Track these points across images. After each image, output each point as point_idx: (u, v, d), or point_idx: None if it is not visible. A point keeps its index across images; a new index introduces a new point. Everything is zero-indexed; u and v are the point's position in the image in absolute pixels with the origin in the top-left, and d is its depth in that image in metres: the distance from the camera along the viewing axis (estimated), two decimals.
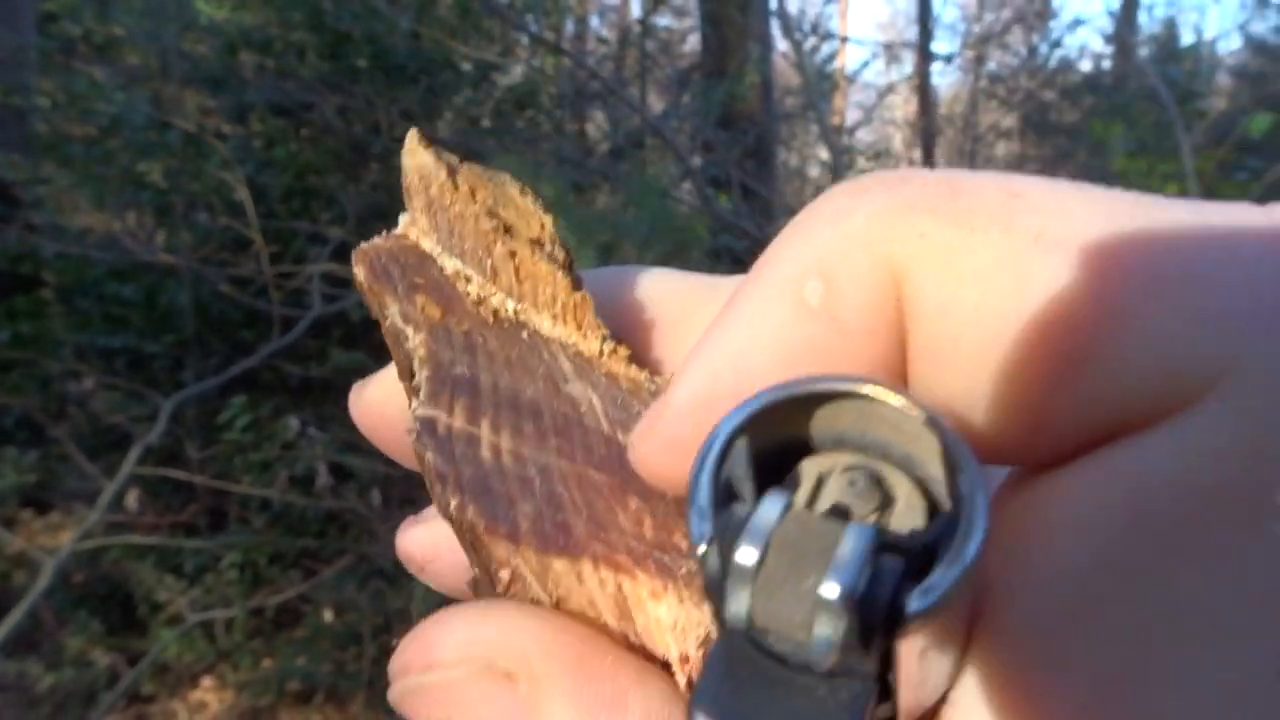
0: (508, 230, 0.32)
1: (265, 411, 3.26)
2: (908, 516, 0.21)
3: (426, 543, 0.33)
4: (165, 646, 2.93)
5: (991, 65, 11.76)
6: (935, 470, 0.20)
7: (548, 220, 0.33)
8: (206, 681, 3.19)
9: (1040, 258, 0.20)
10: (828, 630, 0.18)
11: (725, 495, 0.20)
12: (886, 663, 0.19)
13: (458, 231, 0.33)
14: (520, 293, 0.32)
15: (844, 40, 10.53)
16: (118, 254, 3.39)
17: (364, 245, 0.34)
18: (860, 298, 0.22)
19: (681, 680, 0.24)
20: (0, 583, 3.04)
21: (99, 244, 3.55)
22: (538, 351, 0.31)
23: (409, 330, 0.31)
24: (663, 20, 6.87)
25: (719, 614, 0.19)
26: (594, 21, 7.75)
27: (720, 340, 0.23)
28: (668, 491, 0.26)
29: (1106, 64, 10.19)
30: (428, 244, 0.34)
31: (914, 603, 0.18)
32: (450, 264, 0.33)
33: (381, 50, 3.73)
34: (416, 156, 0.34)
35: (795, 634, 0.18)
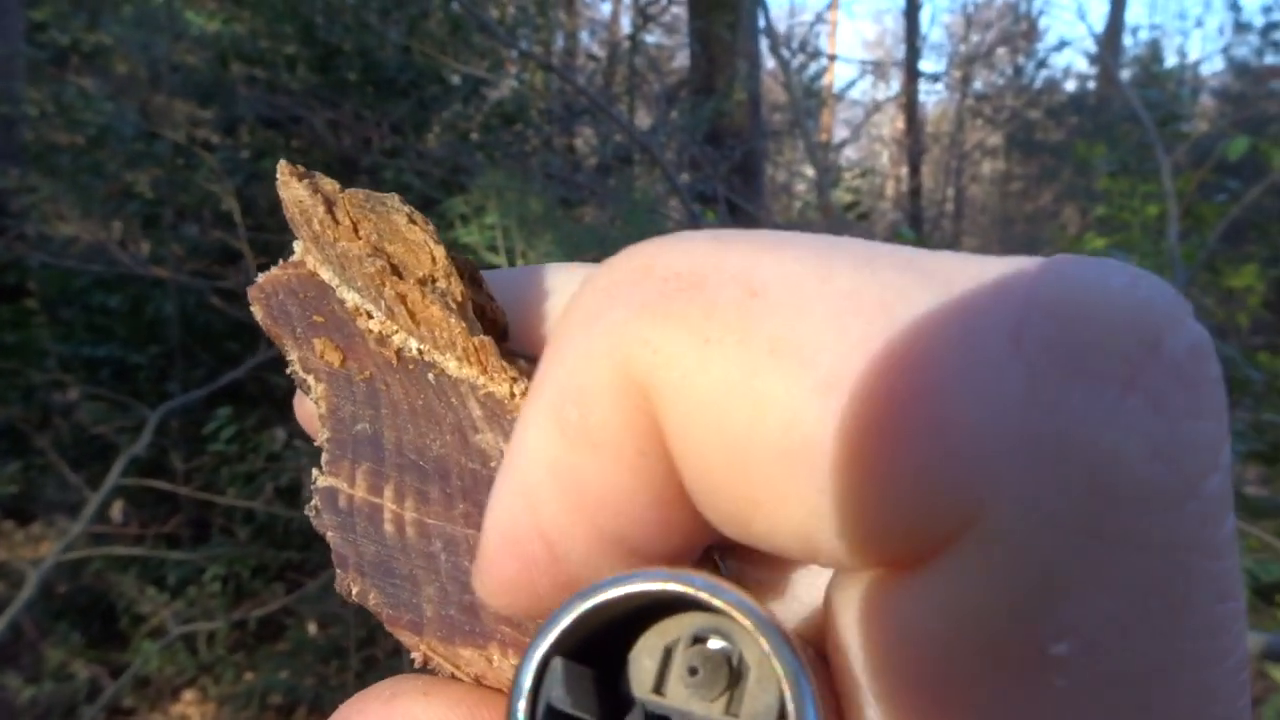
0: (395, 270, 0.29)
1: (251, 423, 3.26)
2: (759, 693, 0.19)
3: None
4: (147, 659, 2.91)
5: (978, 84, 11.87)
6: (759, 640, 0.19)
7: (439, 252, 0.29)
8: (188, 695, 3.17)
9: (775, 376, 0.18)
10: None
11: None
12: None
13: (348, 269, 0.30)
14: (420, 334, 0.29)
15: (832, 59, 10.60)
16: (104, 264, 3.38)
17: (260, 279, 0.32)
18: (612, 420, 0.20)
19: None
20: None
21: (85, 254, 3.54)
22: (445, 396, 0.28)
23: (310, 380, 0.29)
24: (652, 37, 6.92)
25: None
26: (584, 37, 7.79)
27: (510, 476, 0.21)
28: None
29: (1091, 84, 10.30)
30: (325, 274, 0.31)
31: None
32: (350, 296, 0.30)
33: (372, 64, 3.74)
34: (290, 189, 0.31)
35: None
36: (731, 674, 0.19)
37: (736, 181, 4.46)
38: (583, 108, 4.39)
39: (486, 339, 0.28)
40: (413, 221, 0.30)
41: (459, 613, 0.25)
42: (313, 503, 0.27)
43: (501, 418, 0.28)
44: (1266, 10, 5.25)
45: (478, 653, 0.24)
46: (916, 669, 0.18)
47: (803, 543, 0.19)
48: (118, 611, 3.19)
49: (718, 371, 0.19)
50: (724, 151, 4.50)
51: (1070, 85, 10.89)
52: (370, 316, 0.30)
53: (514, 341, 0.30)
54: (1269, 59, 5.68)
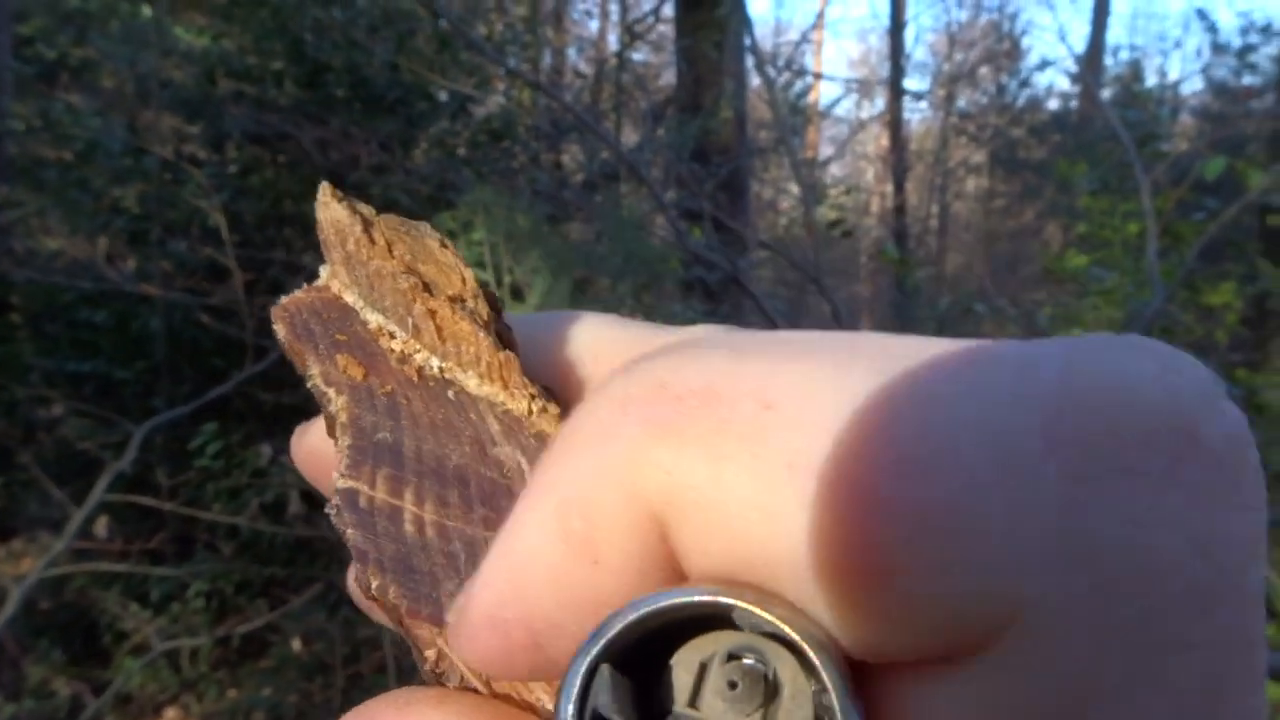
0: (426, 287, 0.30)
1: (236, 438, 3.25)
2: (793, 709, 0.20)
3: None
4: (129, 676, 2.89)
5: (961, 103, 11.98)
6: (805, 650, 0.19)
7: (469, 274, 0.31)
8: (170, 713, 3.15)
9: (793, 492, 0.18)
10: None
11: None
12: None
13: (377, 288, 0.31)
14: (444, 351, 0.30)
15: (817, 77, 10.68)
16: (91, 280, 3.38)
17: (284, 300, 0.33)
18: (617, 540, 0.20)
19: None
20: None
21: (71, 269, 3.54)
22: (464, 412, 0.29)
23: (330, 393, 0.30)
24: (639, 55, 6.96)
25: None
26: (571, 54, 7.83)
27: (504, 562, 0.21)
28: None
29: (1073, 103, 10.41)
30: (350, 297, 0.32)
31: None
32: (373, 318, 0.32)
33: (360, 80, 3.76)
34: (329, 210, 0.32)
35: None
36: (767, 690, 0.20)
37: (722, 198, 4.49)
38: (570, 125, 4.41)
39: (511, 354, 0.29)
40: (444, 246, 0.32)
41: None
42: (332, 502, 0.28)
43: (519, 433, 0.29)
44: (1244, 31, 5.33)
45: None
46: None
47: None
48: (100, 628, 3.17)
49: (734, 491, 0.19)
50: (710, 169, 4.53)
51: (1053, 104, 11.01)
52: (393, 337, 0.31)
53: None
54: (1247, 79, 5.77)
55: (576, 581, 0.21)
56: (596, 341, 0.31)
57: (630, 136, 5.61)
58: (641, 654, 0.21)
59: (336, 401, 0.30)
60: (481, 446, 0.29)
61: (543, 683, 0.24)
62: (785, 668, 0.20)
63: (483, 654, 0.22)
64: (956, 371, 0.19)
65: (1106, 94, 8.13)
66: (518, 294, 2.74)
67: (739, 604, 0.19)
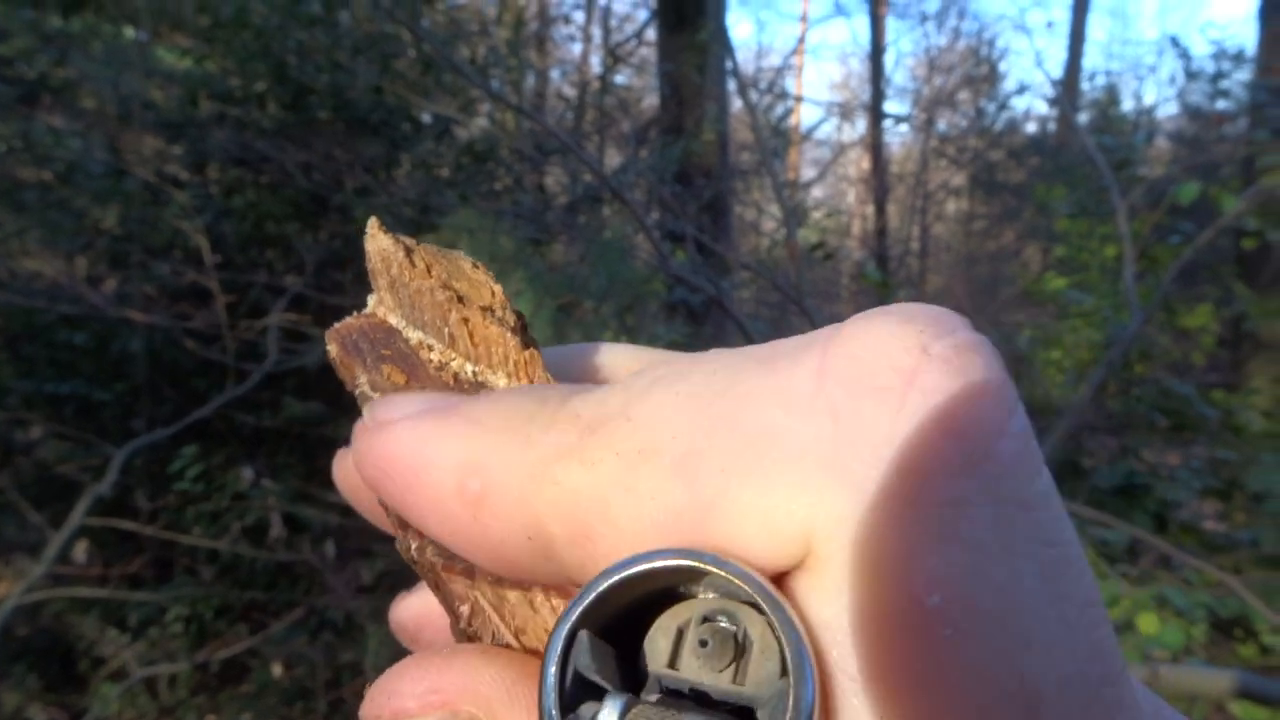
0: (461, 299, 0.35)
1: (217, 461, 3.22)
2: (762, 662, 0.22)
3: (419, 612, 0.36)
4: (106, 703, 2.85)
5: (941, 126, 12.10)
6: (764, 606, 0.22)
7: (497, 289, 0.36)
8: None
9: (650, 468, 0.23)
10: None
11: (575, 691, 0.22)
12: None
13: (418, 305, 0.35)
14: (476, 355, 0.34)
15: (799, 100, 10.77)
16: (69, 301, 3.35)
17: (336, 325, 0.37)
18: (502, 521, 0.25)
19: None
20: None
21: (50, 290, 3.51)
22: None
23: (375, 396, 0.34)
24: (621, 78, 7.00)
25: None
26: (555, 76, 7.87)
27: (411, 443, 0.27)
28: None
29: (1051, 126, 10.53)
30: (393, 319, 0.36)
31: None
32: (414, 335, 0.35)
33: (343, 103, 3.76)
34: (377, 241, 0.37)
35: None
36: (737, 648, 0.22)
37: (705, 220, 4.51)
38: (553, 147, 4.43)
39: (534, 352, 0.34)
40: (475, 266, 0.37)
41: None
42: None
43: None
44: (1216, 58, 5.42)
45: (523, 595, 0.27)
46: (840, 649, 0.21)
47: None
48: (77, 653, 3.12)
49: (603, 479, 0.23)
50: (693, 191, 4.55)
51: (1031, 127, 11.14)
52: (431, 349, 0.35)
53: None
54: (1220, 104, 5.85)
55: (451, 514, 0.25)
56: (618, 365, 0.36)
57: (613, 159, 5.64)
58: (622, 627, 0.23)
59: None
60: None
61: None
62: (755, 626, 0.22)
63: (368, 468, 0.27)
64: (748, 355, 0.25)
65: (1083, 118, 8.23)
66: None
67: (699, 565, 0.21)
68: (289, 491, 3.14)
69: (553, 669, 0.22)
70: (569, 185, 4.79)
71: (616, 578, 0.22)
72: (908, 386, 0.21)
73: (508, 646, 0.27)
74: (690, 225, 3.78)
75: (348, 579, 3.05)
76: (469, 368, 0.34)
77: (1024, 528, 0.21)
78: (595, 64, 7.80)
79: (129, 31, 4.03)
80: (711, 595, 0.23)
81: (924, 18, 12.97)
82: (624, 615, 0.23)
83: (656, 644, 0.23)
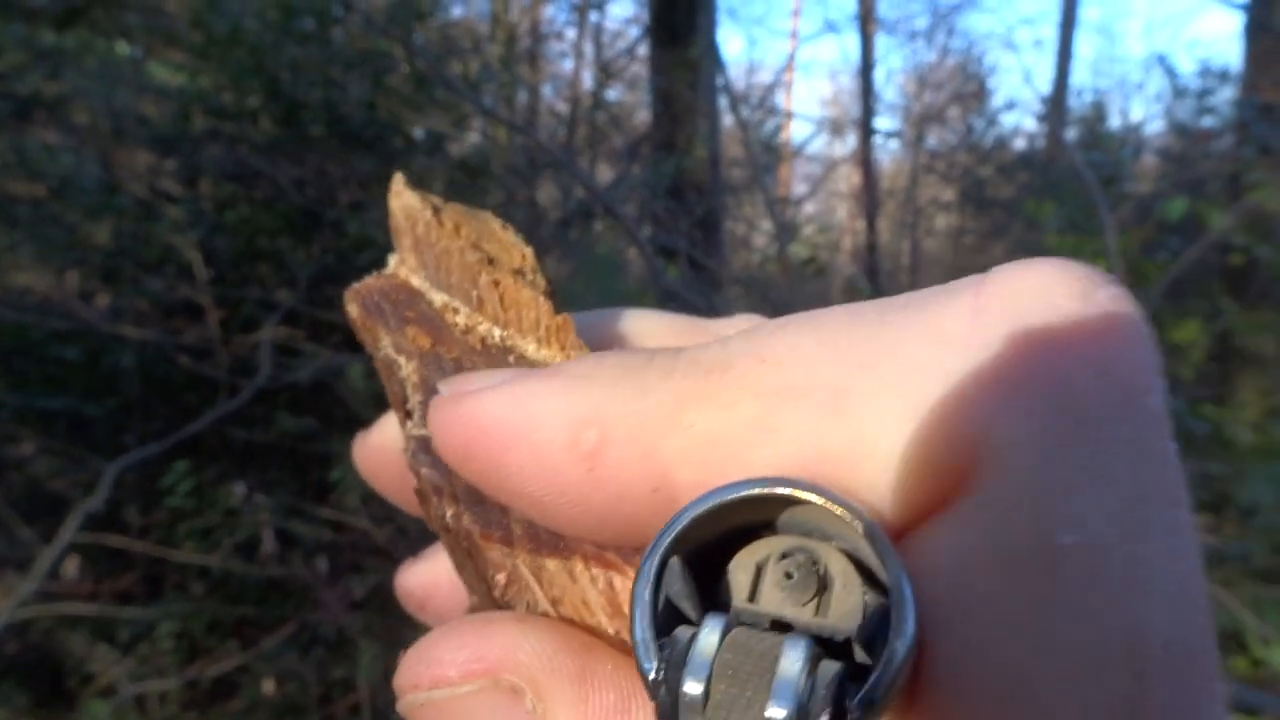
0: (491, 262, 0.33)
1: (209, 476, 3.21)
2: (845, 597, 0.22)
3: (427, 580, 0.35)
4: None
5: (931, 142, 12.17)
6: (864, 545, 0.21)
7: (528, 251, 0.34)
8: None
9: (790, 409, 0.22)
10: None
11: (668, 617, 0.22)
12: None
13: (444, 266, 0.34)
14: (505, 319, 0.33)
15: (789, 116, 10.83)
16: (61, 316, 3.35)
17: (355, 285, 0.36)
18: (623, 472, 0.24)
19: None
20: None
21: (42, 305, 3.50)
22: None
23: (401, 360, 0.33)
24: (614, 93, 7.04)
25: None
26: (547, 91, 7.90)
27: (518, 399, 0.25)
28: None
29: (1040, 142, 10.61)
30: (416, 280, 0.35)
31: (855, 710, 0.19)
32: (438, 297, 0.34)
33: (336, 118, 3.77)
34: (402, 198, 0.36)
35: None
36: (819, 582, 0.22)
37: (697, 236, 4.53)
38: (546, 163, 4.45)
39: (568, 317, 0.32)
40: (505, 228, 0.35)
41: (545, 532, 0.27)
42: (408, 446, 0.30)
43: None
44: (1202, 75, 5.48)
45: (562, 564, 0.26)
46: (959, 580, 0.21)
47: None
48: (66, 670, 3.10)
49: (739, 421, 0.23)
50: (685, 206, 4.57)
51: (1020, 143, 11.21)
52: (457, 312, 0.34)
53: None
54: (1206, 121, 5.91)
55: (562, 473, 0.24)
56: (649, 329, 0.35)
57: (605, 174, 5.66)
58: (701, 562, 0.23)
59: (406, 367, 0.33)
60: None
61: (604, 607, 0.26)
62: (835, 563, 0.22)
63: (458, 436, 0.26)
64: (869, 306, 0.24)
65: (1071, 134, 8.30)
66: None
67: (796, 493, 0.21)
68: (281, 507, 3.13)
69: (646, 592, 0.21)
70: (561, 200, 4.80)
71: (714, 502, 0.22)
72: (1069, 328, 0.21)
73: (544, 615, 0.27)
74: (682, 240, 3.79)
75: (340, 594, 3.03)
76: (497, 332, 0.33)
77: (1158, 483, 0.21)
78: (587, 80, 7.83)
79: (122, 47, 4.04)
80: (791, 534, 0.23)
81: (913, 35, 13.07)
82: (700, 554, 0.23)
83: (736, 579, 0.23)
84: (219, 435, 3.28)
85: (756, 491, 0.22)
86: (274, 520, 3.12)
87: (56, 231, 3.60)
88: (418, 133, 4.20)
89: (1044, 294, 0.22)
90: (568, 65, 8.70)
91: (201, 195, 3.94)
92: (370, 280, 0.36)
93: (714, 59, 4.93)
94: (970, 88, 12.59)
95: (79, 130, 4.10)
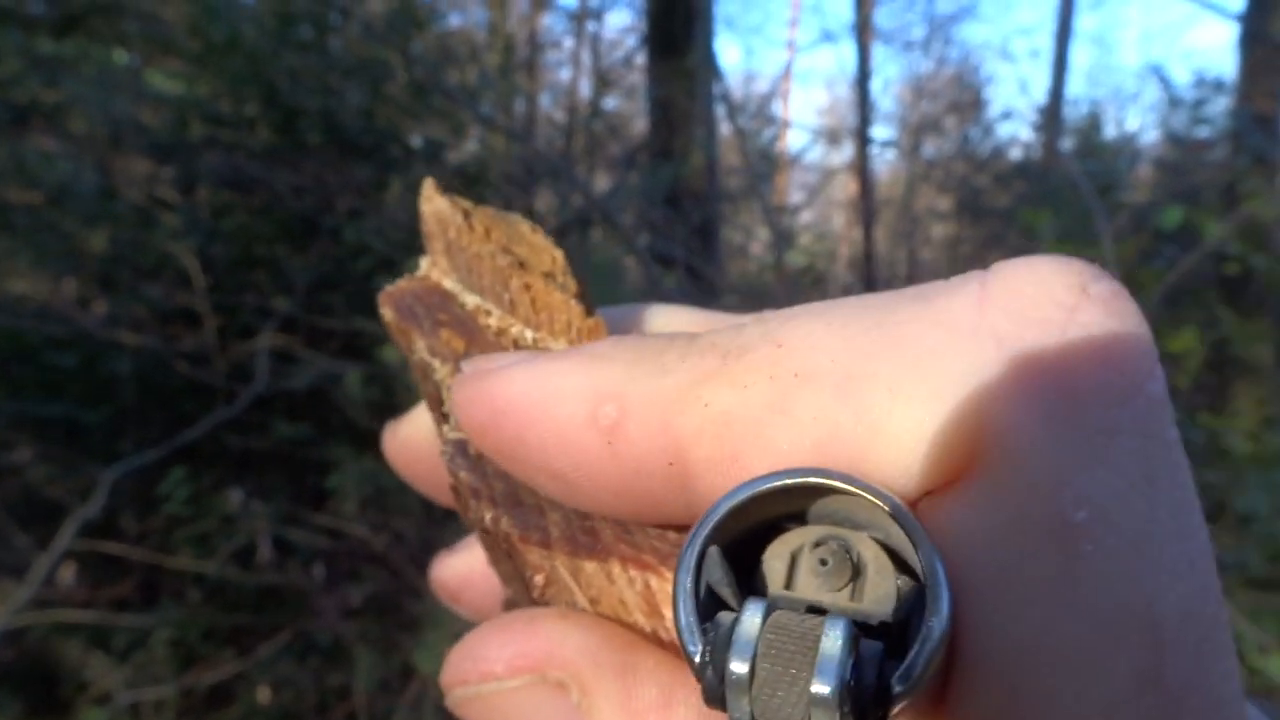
0: (522, 265, 0.34)
1: (206, 483, 3.21)
2: (879, 582, 0.22)
3: (461, 571, 0.36)
4: None
5: (928, 151, 12.20)
6: (895, 532, 0.22)
7: (558, 254, 0.35)
8: None
9: (807, 390, 0.23)
10: None
11: (709, 603, 0.22)
12: None
13: (475, 269, 0.35)
14: (537, 322, 0.33)
15: (786, 125, 10.85)
16: (58, 323, 3.34)
17: (388, 288, 0.37)
18: (642, 447, 0.25)
19: None
20: None
21: (39, 312, 3.50)
22: None
23: (435, 363, 0.33)
24: (611, 102, 7.05)
25: None
26: (545, 100, 7.91)
27: (535, 377, 0.26)
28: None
29: (1036, 152, 10.63)
30: (448, 283, 0.36)
31: (897, 685, 0.20)
32: (470, 300, 0.35)
33: (334, 126, 3.78)
34: (433, 203, 0.36)
35: None
36: (853, 569, 0.22)
37: (695, 244, 4.53)
38: (543, 171, 4.45)
39: (600, 320, 0.33)
40: (535, 230, 0.35)
41: (581, 534, 0.27)
42: (445, 450, 0.31)
43: None
44: (1197, 85, 5.50)
45: (599, 566, 0.27)
46: (980, 558, 0.21)
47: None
48: (61, 678, 3.09)
49: (755, 400, 0.24)
50: (682, 214, 4.58)
51: (1016, 152, 11.24)
52: (489, 314, 0.34)
53: None
54: (1201, 131, 5.94)
55: (582, 446, 0.25)
56: (675, 323, 0.35)
57: (603, 182, 5.67)
58: (735, 554, 0.23)
59: (441, 370, 0.33)
60: None
61: (641, 606, 0.26)
62: (867, 550, 0.23)
63: (481, 412, 0.27)
64: (881, 298, 0.25)
65: (1067, 144, 8.32)
66: None
67: (828, 482, 0.22)
68: (278, 514, 3.12)
69: (688, 579, 0.22)
70: (559, 209, 4.81)
71: (750, 492, 0.22)
72: (1069, 319, 0.22)
73: (584, 611, 0.27)
74: (680, 248, 3.80)
75: (336, 602, 3.03)
76: (529, 334, 0.33)
77: (1163, 465, 0.22)
78: (585, 89, 7.85)
79: (120, 55, 4.05)
80: (822, 524, 0.23)
81: (910, 45, 13.11)
82: (736, 545, 0.23)
83: (772, 568, 0.23)
84: (216, 442, 3.27)
85: (790, 481, 0.22)
86: (271, 527, 3.11)
87: (53, 238, 3.60)
88: (415, 141, 4.20)
89: (1046, 287, 0.23)
90: (565, 74, 8.73)
91: (199, 202, 3.94)
92: (403, 283, 0.37)
93: (711, 68, 4.95)
94: (966, 97, 12.64)
95: (76, 137, 4.10)
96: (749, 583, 0.23)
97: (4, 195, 3.82)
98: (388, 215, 3.73)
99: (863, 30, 10.03)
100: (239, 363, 3.22)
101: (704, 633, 0.21)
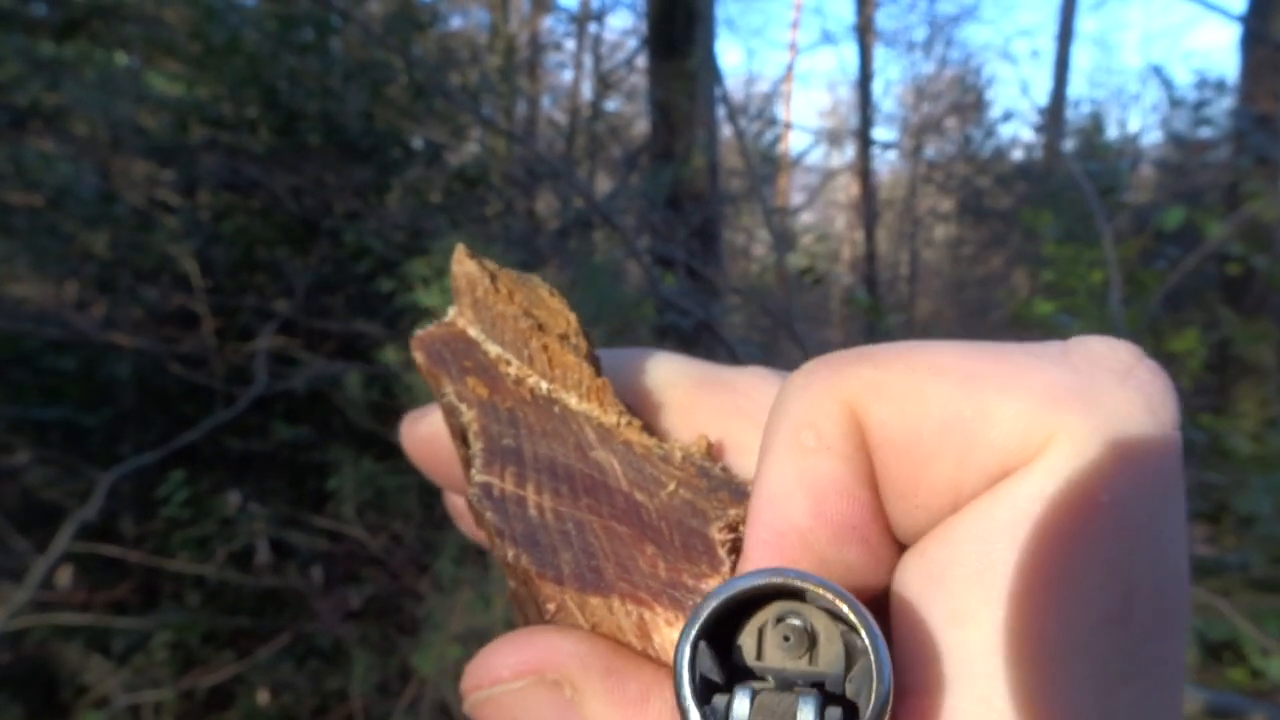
0: (541, 327, 0.38)
1: (204, 486, 3.20)
2: (829, 646, 0.28)
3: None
4: None
5: (929, 152, 12.20)
6: (842, 608, 0.26)
7: (572, 318, 0.39)
8: None
9: (941, 380, 0.29)
10: None
11: (703, 688, 0.27)
12: None
13: (499, 325, 0.40)
14: (552, 376, 0.38)
15: (788, 127, 10.85)
16: (57, 326, 3.34)
17: (419, 333, 0.42)
18: (839, 431, 0.30)
19: None
20: None
21: (38, 315, 3.50)
22: (568, 424, 0.38)
23: (463, 407, 0.38)
24: (612, 104, 7.05)
25: None
26: (546, 102, 7.92)
27: (763, 499, 0.30)
28: None
29: (1038, 153, 10.62)
30: (473, 331, 0.41)
31: None
32: (493, 349, 0.40)
33: (334, 128, 3.77)
34: (464, 265, 0.41)
35: None
36: (809, 639, 0.28)
37: (695, 245, 4.53)
38: (544, 173, 4.45)
39: (606, 380, 0.38)
40: (552, 294, 0.40)
41: (588, 572, 0.32)
42: (473, 491, 0.35)
43: (610, 441, 0.37)
44: (1199, 86, 5.49)
45: (603, 601, 0.31)
46: (1023, 512, 0.27)
47: (949, 485, 0.29)
48: (60, 681, 3.08)
49: (897, 382, 0.29)
50: (683, 216, 4.57)
51: (1017, 153, 11.23)
52: (509, 364, 0.39)
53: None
54: (1203, 131, 5.92)
55: (818, 472, 0.30)
56: (668, 377, 0.40)
57: (604, 184, 5.67)
58: (715, 632, 0.28)
59: (467, 414, 0.38)
60: (582, 450, 0.37)
61: (634, 631, 0.31)
62: (818, 619, 0.28)
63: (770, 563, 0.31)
64: (1003, 347, 0.30)
65: (1069, 145, 8.31)
66: None
67: (784, 581, 0.27)
68: (277, 516, 3.12)
69: (685, 671, 0.26)
70: (560, 210, 4.81)
71: (729, 593, 0.27)
72: (1128, 374, 0.29)
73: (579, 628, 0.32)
74: (680, 250, 3.80)
75: (335, 604, 3.03)
76: (544, 385, 0.38)
77: (1173, 492, 0.28)
78: (586, 91, 7.85)
79: (121, 58, 4.05)
80: (784, 600, 0.28)
81: (911, 46, 13.10)
82: (715, 625, 0.28)
83: (746, 643, 0.28)
84: (215, 444, 3.27)
85: (762, 583, 0.27)
86: (269, 530, 3.11)
87: (54, 241, 3.60)
88: (416, 142, 4.20)
89: (1114, 351, 0.30)
90: (566, 76, 8.74)
91: (199, 205, 3.94)
92: (433, 329, 0.42)
93: (712, 70, 4.94)
94: (968, 99, 12.63)
95: (77, 140, 4.10)
96: (727, 656, 0.28)
97: (4, 198, 3.82)
98: (388, 217, 3.73)
99: (864, 32, 10.04)
100: (238, 365, 3.22)
101: (703, 715, 0.26)
